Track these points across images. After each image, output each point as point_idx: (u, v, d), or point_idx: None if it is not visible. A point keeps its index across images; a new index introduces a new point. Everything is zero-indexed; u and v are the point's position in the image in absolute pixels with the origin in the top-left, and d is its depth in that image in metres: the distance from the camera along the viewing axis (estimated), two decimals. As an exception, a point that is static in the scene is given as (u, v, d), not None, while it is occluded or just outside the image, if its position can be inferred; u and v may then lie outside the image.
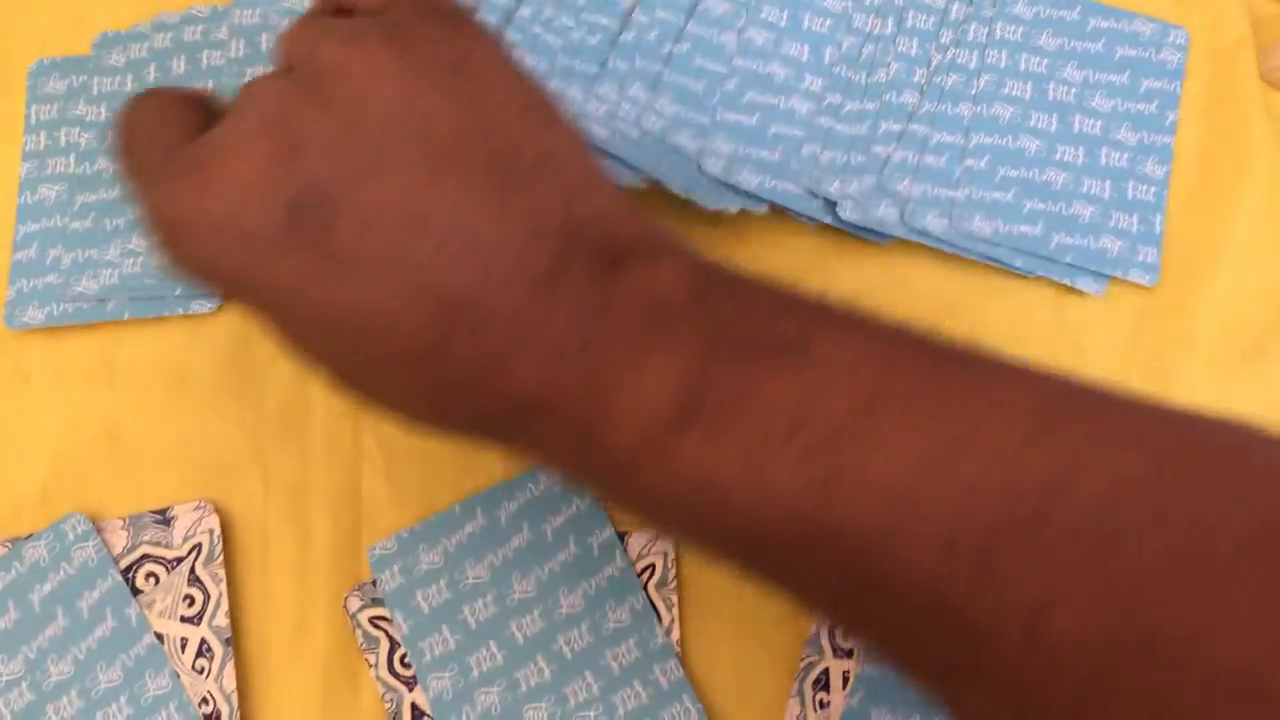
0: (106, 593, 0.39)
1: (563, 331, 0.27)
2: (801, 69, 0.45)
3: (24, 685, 0.39)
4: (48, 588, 0.40)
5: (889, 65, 0.46)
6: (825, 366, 0.26)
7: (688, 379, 0.26)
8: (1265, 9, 0.47)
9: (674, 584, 0.40)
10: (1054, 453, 0.24)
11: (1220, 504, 0.23)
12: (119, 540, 0.40)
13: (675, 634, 0.40)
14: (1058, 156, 0.45)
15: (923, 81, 0.46)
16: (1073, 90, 0.46)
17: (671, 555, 0.40)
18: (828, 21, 0.46)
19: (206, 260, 0.27)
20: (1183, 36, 0.46)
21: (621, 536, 0.40)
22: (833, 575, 0.25)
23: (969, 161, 0.44)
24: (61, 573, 0.40)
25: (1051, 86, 0.46)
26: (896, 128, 0.45)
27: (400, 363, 0.27)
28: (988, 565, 0.23)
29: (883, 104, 0.45)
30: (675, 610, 0.40)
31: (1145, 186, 0.44)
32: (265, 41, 0.47)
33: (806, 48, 0.46)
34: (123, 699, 0.39)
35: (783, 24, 0.46)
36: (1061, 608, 0.23)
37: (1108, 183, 0.44)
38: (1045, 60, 0.46)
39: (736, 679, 0.40)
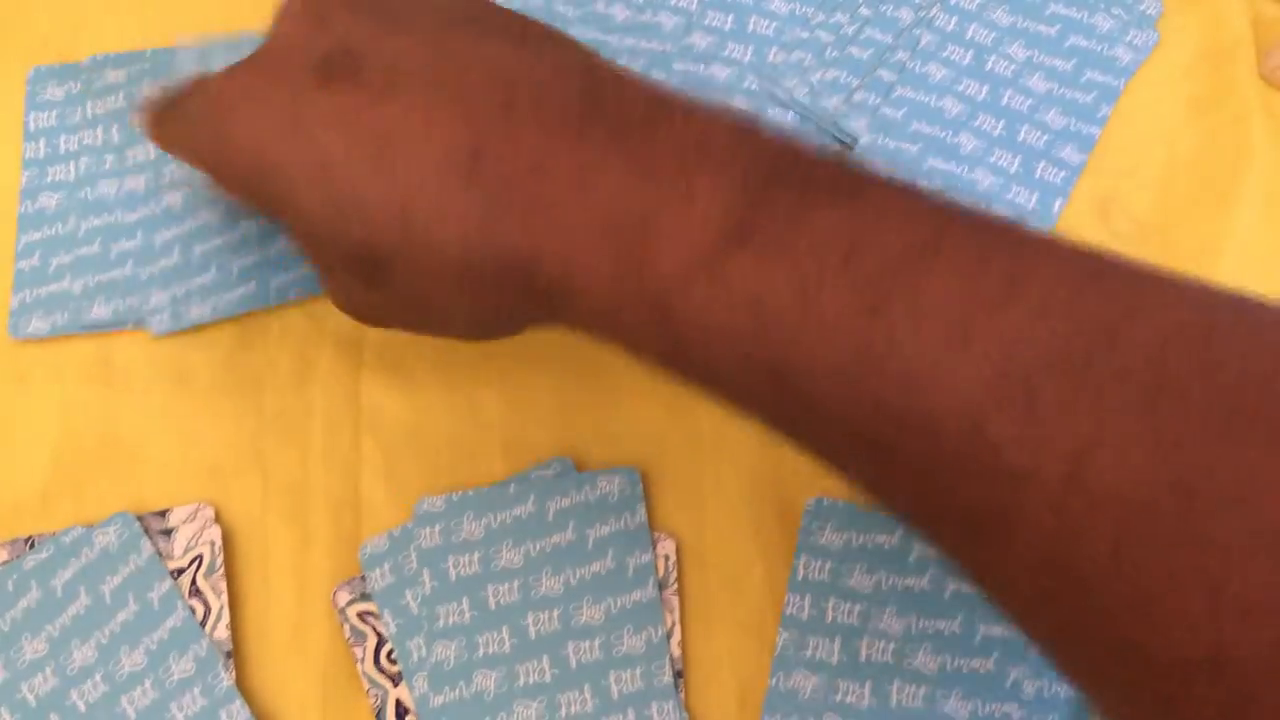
0: (128, 577, 0.40)
1: (601, 149, 0.28)
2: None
3: (48, 670, 0.39)
4: (69, 573, 0.40)
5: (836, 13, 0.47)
6: (880, 206, 0.27)
7: (739, 203, 0.27)
8: (1265, 9, 0.47)
9: (675, 585, 0.40)
10: (1104, 302, 0.25)
11: (1270, 363, 0.23)
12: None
13: (676, 636, 0.39)
14: (976, 123, 0.45)
15: (864, 30, 0.47)
16: (1012, 66, 0.46)
17: (672, 557, 0.40)
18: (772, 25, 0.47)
19: (254, 134, 0.31)
20: (1146, 39, 0.46)
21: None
22: (871, 413, 0.25)
23: (886, 110, 0.45)
24: (83, 558, 0.40)
25: (992, 59, 0.46)
26: (833, 75, 0.46)
27: (435, 181, 0.29)
28: (1033, 403, 0.23)
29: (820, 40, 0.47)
30: (676, 612, 0.40)
31: (1056, 169, 0.45)
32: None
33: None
34: (148, 682, 0.39)
35: (727, 28, 0.47)
36: (1105, 449, 0.23)
37: (1018, 158, 0.45)
38: (993, 34, 0.47)
39: (737, 681, 0.40)
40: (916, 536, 0.27)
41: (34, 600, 0.39)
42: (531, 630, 0.39)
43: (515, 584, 0.40)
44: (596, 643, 0.39)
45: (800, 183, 0.27)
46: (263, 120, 0.31)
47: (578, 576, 0.40)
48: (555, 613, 0.39)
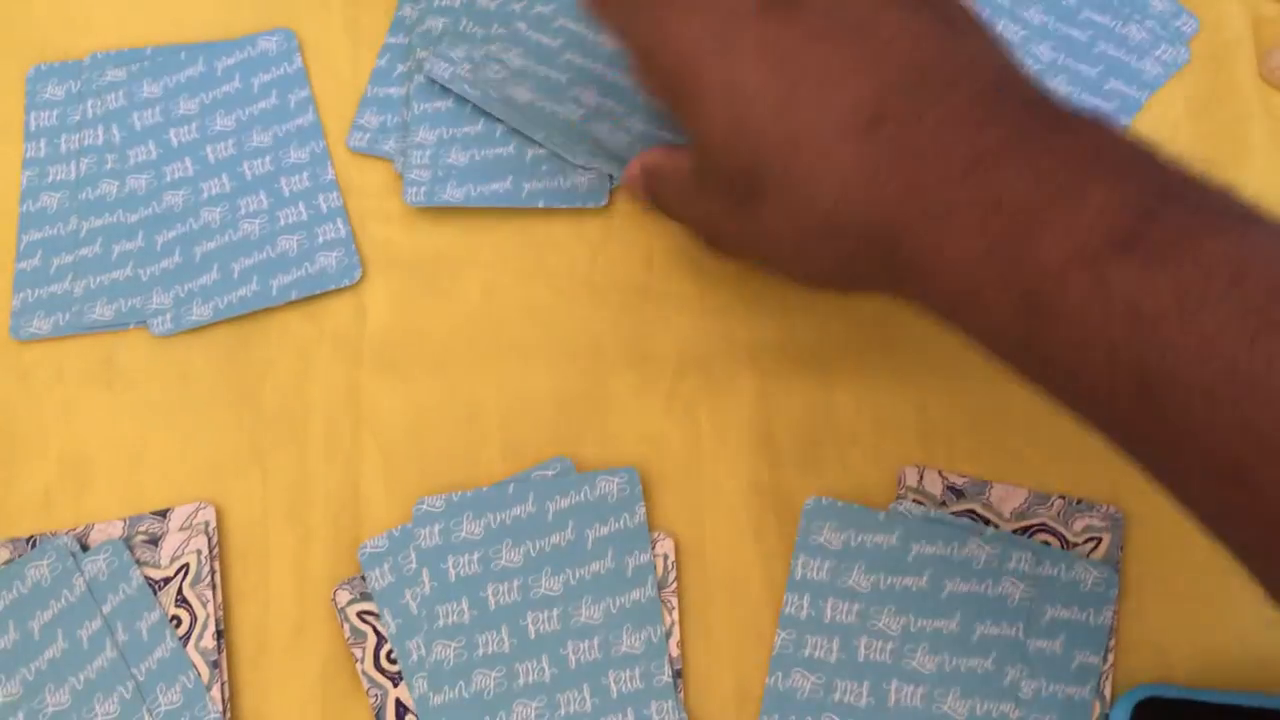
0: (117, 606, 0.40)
1: (1002, 142, 0.29)
2: None
3: (20, 715, 0.39)
4: (48, 615, 0.40)
5: None
6: (1271, 237, 0.26)
7: (1131, 210, 0.27)
8: (1265, 9, 0.47)
9: (674, 585, 0.40)
10: None
11: None
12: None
13: (675, 635, 0.40)
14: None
15: None
16: (1037, 66, 0.46)
17: (672, 557, 0.40)
18: None
19: (684, 39, 0.33)
20: (1176, 56, 0.46)
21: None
22: (1236, 435, 0.25)
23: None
24: (63, 601, 0.40)
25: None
26: None
27: (833, 134, 0.30)
28: None
29: None
30: (675, 612, 0.40)
31: None
32: (258, 83, 0.47)
33: None
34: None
35: None
36: None
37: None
38: (1023, 31, 0.47)
39: (735, 680, 0.40)
40: (1253, 571, 0.28)
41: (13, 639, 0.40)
42: (531, 630, 0.39)
43: (515, 584, 0.40)
44: (595, 642, 0.39)
45: (1193, 204, 0.27)
46: (696, 29, 0.33)
47: (577, 576, 0.40)
48: (554, 612, 0.39)
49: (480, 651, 0.39)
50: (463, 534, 0.40)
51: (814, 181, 0.31)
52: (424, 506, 0.40)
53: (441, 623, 0.39)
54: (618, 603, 0.40)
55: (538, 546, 0.40)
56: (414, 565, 0.40)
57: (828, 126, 0.31)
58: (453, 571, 0.40)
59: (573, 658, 0.39)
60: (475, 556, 0.40)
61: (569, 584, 0.40)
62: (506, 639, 0.39)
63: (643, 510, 0.40)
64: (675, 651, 0.39)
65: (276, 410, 0.43)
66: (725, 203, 0.34)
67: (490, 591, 0.40)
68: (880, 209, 0.30)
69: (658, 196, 0.39)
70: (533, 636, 0.39)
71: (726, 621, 0.40)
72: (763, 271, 0.37)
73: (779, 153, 0.31)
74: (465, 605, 0.39)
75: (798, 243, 0.33)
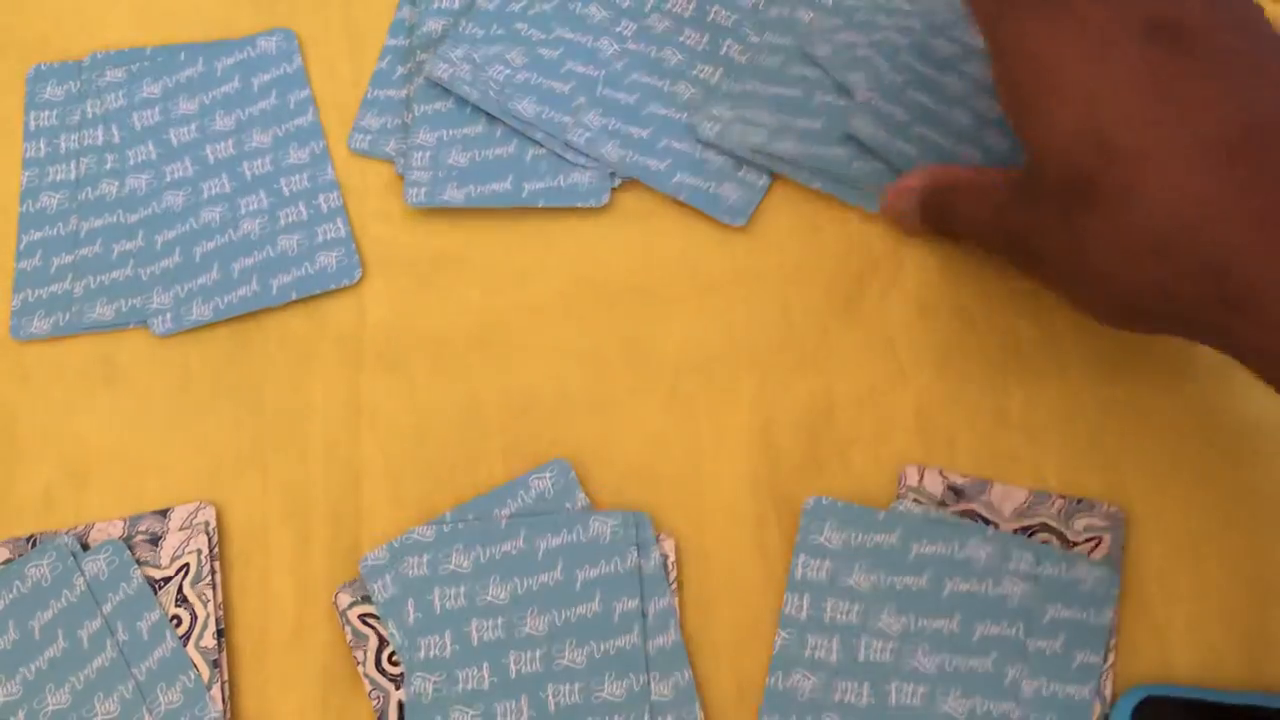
0: (118, 605, 0.40)
1: None
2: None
3: (21, 714, 0.39)
4: (48, 614, 0.40)
5: None
6: None
7: None
8: (1266, 9, 0.47)
9: (674, 585, 0.40)
10: None
11: None
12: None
13: (675, 635, 0.39)
14: (974, 103, 0.45)
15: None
16: None
17: (671, 558, 0.40)
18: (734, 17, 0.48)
19: (1044, 42, 0.33)
20: None
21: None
22: None
23: (886, 75, 0.45)
24: (64, 600, 0.40)
25: None
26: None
27: (1188, 156, 0.30)
28: None
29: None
30: (675, 613, 0.40)
31: None
32: (258, 82, 0.47)
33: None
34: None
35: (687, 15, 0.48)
36: None
37: (1009, 142, 0.45)
38: None
39: (735, 679, 0.40)
40: None
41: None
42: (512, 669, 0.39)
43: (499, 621, 0.39)
44: (576, 687, 0.39)
45: None
46: (1067, 38, 0.32)
47: (563, 618, 0.39)
48: (537, 653, 0.39)
49: (460, 688, 0.39)
50: (450, 566, 0.40)
51: (1155, 199, 0.30)
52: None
53: (423, 655, 0.39)
54: (601, 648, 0.39)
55: (525, 585, 0.40)
56: (402, 591, 0.40)
57: (1184, 149, 0.30)
58: (438, 604, 0.39)
59: (552, 701, 0.39)
60: (461, 590, 0.40)
61: (554, 625, 0.39)
62: (487, 677, 0.39)
63: (635, 555, 0.40)
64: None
65: (276, 410, 0.43)
66: (1048, 215, 0.34)
67: (474, 627, 0.39)
68: (1220, 235, 0.29)
69: (944, 210, 0.39)
70: (513, 676, 0.39)
71: (726, 621, 0.40)
72: (1070, 303, 0.36)
73: (1125, 164, 0.31)
74: (449, 639, 0.39)
75: (1120, 263, 0.32)
